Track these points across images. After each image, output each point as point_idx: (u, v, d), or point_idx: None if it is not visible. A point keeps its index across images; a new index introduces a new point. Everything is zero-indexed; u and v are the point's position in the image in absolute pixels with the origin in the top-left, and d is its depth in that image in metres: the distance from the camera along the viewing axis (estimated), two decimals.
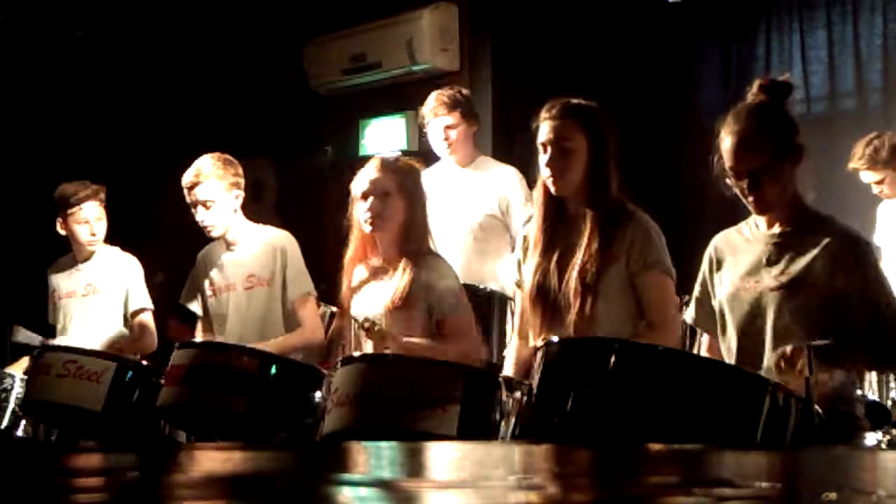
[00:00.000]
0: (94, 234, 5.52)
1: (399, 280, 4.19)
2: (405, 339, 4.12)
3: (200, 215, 4.84)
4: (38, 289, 5.86)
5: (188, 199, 4.86)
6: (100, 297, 5.52)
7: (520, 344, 4.03)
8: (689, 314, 3.78)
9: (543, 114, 3.94)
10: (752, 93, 3.56)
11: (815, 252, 3.45)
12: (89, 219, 5.50)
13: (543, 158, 3.91)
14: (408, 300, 4.17)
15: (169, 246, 6.22)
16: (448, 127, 5.38)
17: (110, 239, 5.65)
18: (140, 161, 7.58)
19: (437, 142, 5.45)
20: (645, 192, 4.02)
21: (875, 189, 5.73)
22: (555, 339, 3.44)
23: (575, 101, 3.95)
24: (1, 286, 7.22)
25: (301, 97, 7.70)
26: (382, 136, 7.36)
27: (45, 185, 5.64)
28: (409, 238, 4.24)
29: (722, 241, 3.67)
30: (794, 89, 3.60)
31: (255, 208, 5.16)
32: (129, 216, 6.73)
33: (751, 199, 3.49)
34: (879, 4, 6.46)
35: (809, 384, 2.98)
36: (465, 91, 5.57)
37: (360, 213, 4.27)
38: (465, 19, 7.13)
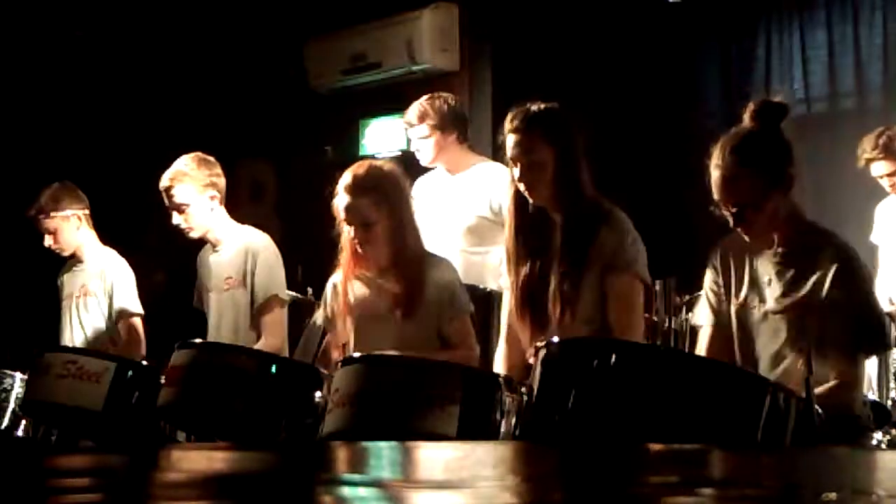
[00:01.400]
0: (55, 243, 5.52)
1: (401, 287, 4.12)
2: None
3: (175, 219, 4.87)
4: (35, 292, 5.85)
5: (166, 203, 4.87)
6: (91, 299, 5.51)
7: (507, 349, 4.01)
8: (703, 317, 3.67)
9: (507, 125, 3.85)
10: (746, 116, 3.48)
11: (816, 276, 3.41)
12: (48, 229, 5.50)
13: (515, 172, 3.85)
14: (415, 306, 4.09)
15: (169, 248, 6.21)
16: (419, 138, 5.23)
17: (110, 241, 5.64)
18: (139, 161, 7.56)
19: (416, 151, 5.36)
20: (645, 192, 4.01)
21: (886, 182, 5.67)
22: (555, 339, 3.43)
23: (535, 107, 3.85)
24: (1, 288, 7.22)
25: (301, 97, 7.70)
26: (382, 136, 7.36)
27: (44, 184, 5.62)
28: (401, 244, 4.15)
29: (726, 251, 3.62)
30: (789, 111, 3.53)
31: (255, 208, 5.15)
32: (128, 217, 6.73)
33: (738, 229, 3.47)
34: (879, 4, 6.45)
35: (809, 384, 2.98)
36: (443, 100, 5.25)
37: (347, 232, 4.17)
38: (465, 19, 7.13)
